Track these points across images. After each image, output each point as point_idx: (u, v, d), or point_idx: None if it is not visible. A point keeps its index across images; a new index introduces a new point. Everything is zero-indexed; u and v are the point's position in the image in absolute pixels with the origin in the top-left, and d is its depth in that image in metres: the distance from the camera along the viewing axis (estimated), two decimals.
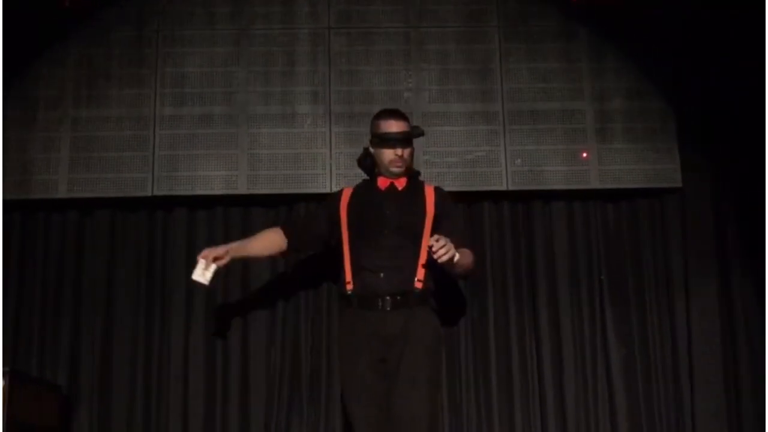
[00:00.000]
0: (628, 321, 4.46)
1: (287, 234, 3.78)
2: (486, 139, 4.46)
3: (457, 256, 3.36)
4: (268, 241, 3.80)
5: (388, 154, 3.59)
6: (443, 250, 3.28)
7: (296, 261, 4.43)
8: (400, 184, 3.66)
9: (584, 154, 4.46)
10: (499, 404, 4.35)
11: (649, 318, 4.48)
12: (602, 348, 4.44)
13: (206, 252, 3.64)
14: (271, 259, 4.16)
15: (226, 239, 4.42)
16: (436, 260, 3.31)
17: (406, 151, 3.62)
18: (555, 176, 4.44)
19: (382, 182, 3.67)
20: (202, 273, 3.62)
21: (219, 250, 3.65)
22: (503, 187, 4.44)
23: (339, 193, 3.76)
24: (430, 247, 3.28)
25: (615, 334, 4.44)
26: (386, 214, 3.56)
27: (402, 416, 3.34)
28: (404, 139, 3.61)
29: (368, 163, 3.72)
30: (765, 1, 4.01)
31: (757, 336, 4.40)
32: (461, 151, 4.45)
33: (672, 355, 4.44)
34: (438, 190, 3.70)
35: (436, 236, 3.32)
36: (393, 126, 3.60)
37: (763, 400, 4.30)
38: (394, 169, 3.62)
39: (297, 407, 4.33)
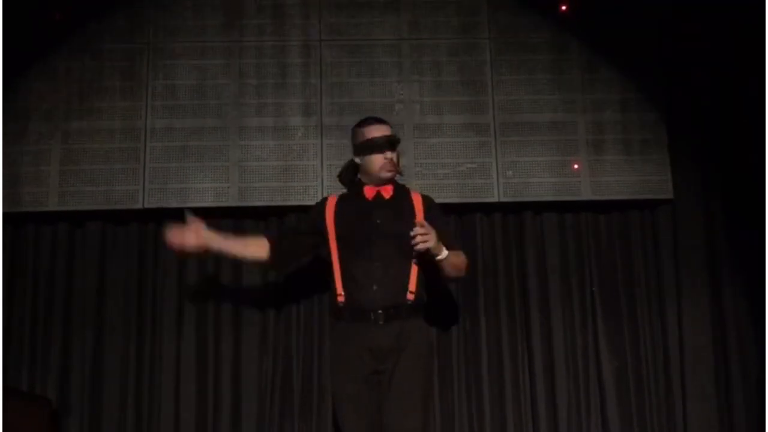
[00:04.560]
0: (620, 332, 4.47)
1: (272, 250, 3.68)
2: (477, 151, 4.47)
3: (444, 253, 3.40)
4: (252, 243, 3.71)
5: (378, 160, 3.56)
6: (422, 237, 3.30)
7: (287, 272, 4.44)
8: (387, 192, 3.62)
9: (576, 166, 4.47)
10: (491, 415, 4.35)
11: (640, 329, 4.48)
12: (594, 359, 4.44)
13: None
14: (258, 267, 4.04)
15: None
16: (413, 246, 3.33)
17: (394, 155, 3.61)
18: (546, 188, 4.44)
19: (369, 191, 3.62)
20: None
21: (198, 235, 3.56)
22: (495, 199, 4.44)
23: (323, 203, 3.69)
24: (412, 235, 3.30)
25: (607, 345, 4.44)
26: (376, 223, 3.53)
27: (394, 429, 3.34)
28: (391, 143, 3.60)
29: (350, 175, 3.71)
30: (761, 12, 4.02)
31: (749, 347, 4.41)
32: (453, 163, 4.45)
33: (664, 365, 4.45)
34: (425, 198, 3.68)
35: (421, 222, 3.35)
36: (378, 131, 3.60)
37: (755, 411, 4.30)
38: (385, 174, 3.58)
39: (289, 419, 4.32)
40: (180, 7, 4.57)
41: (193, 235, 3.57)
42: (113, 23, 4.53)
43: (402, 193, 3.66)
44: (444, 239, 3.50)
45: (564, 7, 4.61)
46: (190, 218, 3.58)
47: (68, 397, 4.31)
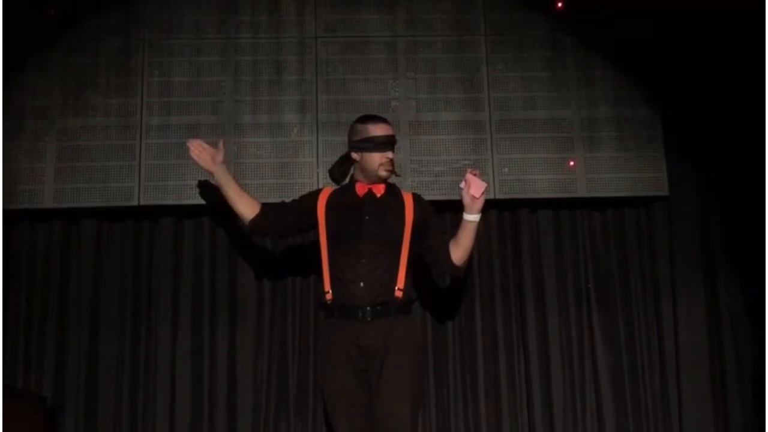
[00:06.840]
0: (616, 329, 4.48)
1: (257, 215, 3.71)
2: (473, 148, 4.47)
3: (479, 216, 3.48)
4: (247, 200, 3.75)
5: (378, 158, 3.56)
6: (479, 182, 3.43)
7: (282, 269, 4.45)
8: (379, 190, 3.62)
9: (571, 163, 4.47)
10: (486, 412, 4.37)
11: (636, 326, 4.50)
12: (590, 356, 4.45)
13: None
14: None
15: (213, 249, 4.47)
16: (466, 188, 3.43)
17: (394, 155, 3.62)
18: (542, 185, 4.45)
19: (361, 188, 3.62)
20: None
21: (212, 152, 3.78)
22: (490, 196, 4.41)
23: (318, 193, 3.70)
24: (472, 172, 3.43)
25: (602, 342, 4.45)
26: (365, 220, 3.53)
27: (383, 424, 3.34)
28: (393, 143, 3.61)
29: (344, 170, 3.71)
30: (759, 10, 4.03)
31: (745, 344, 4.42)
32: (448, 160, 4.45)
33: (659, 363, 4.47)
34: (416, 197, 3.68)
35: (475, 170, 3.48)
36: (381, 130, 3.59)
37: (751, 408, 4.31)
38: (384, 173, 3.58)
39: (284, 416, 4.34)
40: (175, 4, 4.56)
41: (209, 158, 3.76)
42: (109, 20, 4.51)
43: (393, 192, 3.67)
44: (440, 235, 3.52)
45: (559, 4, 4.61)
46: (220, 147, 3.80)
47: (63, 395, 4.31)
